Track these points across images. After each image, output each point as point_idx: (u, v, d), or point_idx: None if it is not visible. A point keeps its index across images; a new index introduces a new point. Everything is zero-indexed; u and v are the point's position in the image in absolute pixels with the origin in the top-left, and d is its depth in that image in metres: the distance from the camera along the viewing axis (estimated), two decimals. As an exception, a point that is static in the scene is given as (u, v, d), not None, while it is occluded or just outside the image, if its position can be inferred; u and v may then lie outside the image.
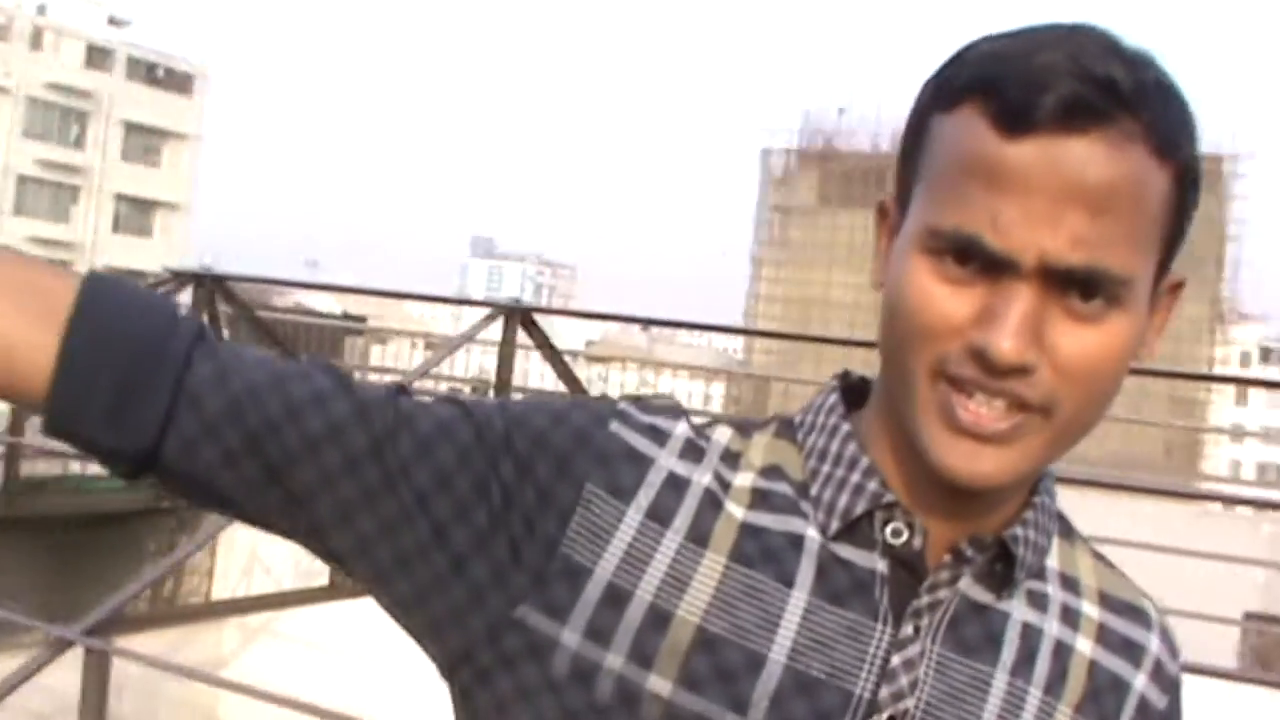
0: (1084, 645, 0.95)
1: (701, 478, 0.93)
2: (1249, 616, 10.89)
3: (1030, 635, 0.93)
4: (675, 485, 0.92)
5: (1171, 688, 0.99)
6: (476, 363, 13.97)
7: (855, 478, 0.92)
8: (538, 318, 7.14)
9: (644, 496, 0.91)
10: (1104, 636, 0.97)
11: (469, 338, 7.39)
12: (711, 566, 0.90)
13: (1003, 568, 0.92)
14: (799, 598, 0.89)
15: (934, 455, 0.86)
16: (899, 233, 0.89)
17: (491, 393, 7.93)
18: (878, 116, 52.36)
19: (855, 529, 0.92)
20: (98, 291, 0.90)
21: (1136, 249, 0.84)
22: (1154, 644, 0.98)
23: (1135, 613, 0.99)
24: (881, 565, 0.91)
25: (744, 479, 0.94)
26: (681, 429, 0.95)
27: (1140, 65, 0.83)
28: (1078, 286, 0.83)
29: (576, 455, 0.91)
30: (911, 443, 0.89)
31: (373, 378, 3.91)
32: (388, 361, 15.97)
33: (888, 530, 0.91)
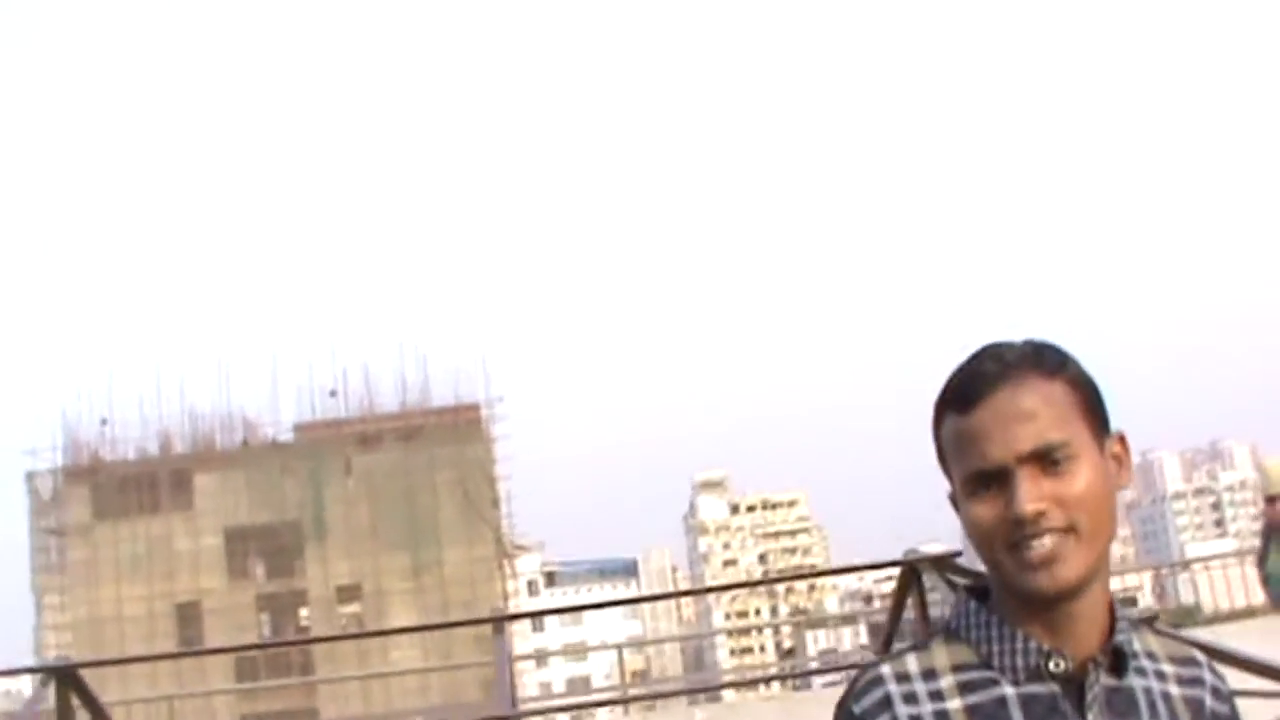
0: (1174, 690, 1.54)
1: (926, 706, 1.49)
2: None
3: (1149, 694, 1.52)
4: None
5: (1228, 699, 1.61)
6: None
7: (1019, 644, 1.49)
8: None
9: None
10: (1181, 680, 1.56)
11: None
12: None
13: (1117, 660, 1.51)
14: None
15: (1033, 588, 1.46)
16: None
17: None
18: (142, 420, 51.22)
19: (1032, 676, 1.49)
20: None
21: (1063, 424, 1.49)
22: (1208, 676, 1.59)
23: (1190, 660, 1.60)
24: (1055, 688, 1.48)
25: (947, 681, 1.50)
26: (881, 693, 1.50)
27: (1023, 343, 1.56)
28: (1043, 459, 1.47)
29: None
30: (1025, 602, 1.48)
31: None
32: None
33: (1051, 665, 1.48)
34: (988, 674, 1.50)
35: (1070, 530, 1.46)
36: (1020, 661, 1.49)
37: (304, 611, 52.23)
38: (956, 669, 1.52)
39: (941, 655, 1.54)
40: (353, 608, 51.34)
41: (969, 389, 1.52)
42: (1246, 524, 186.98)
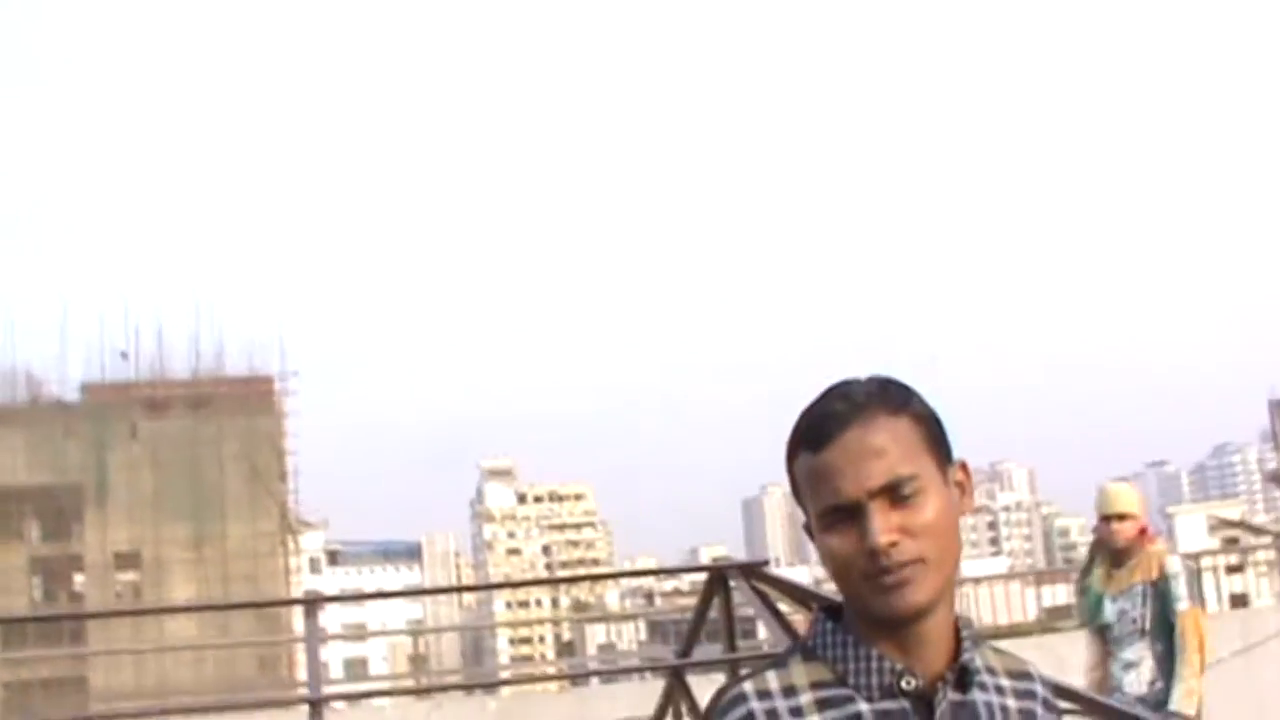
0: (1011, 703, 1.68)
1: None
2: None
3: (989, 708, 1.64)
4: None
5: (1055, 709, 1.75)
6: None
7: (873, 663, 1.60)
8: None
9: None
10: (1017, 693, 1.69)
11: None
12: None
13: (962, 677, 1.63)
14: None
15: (887, 612, 1.58)
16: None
17: None
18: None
19: (885, 694, 1.60)
20: None
21: (910, 459, 1.59)
22: (1039, 688, 1.73)
23: (1025, 674, 1.73)
24: (906, 704, 1.60)
25: (806, 698, 1.60)
26: (744, 710, 1.60)
27: (869, 382, 1.66)
28: (892, 492, 1.57)
29: None
30: (878, 623, 1.60)
31: None
32: None
33: (903, 683, 1.59)
34: (844, 691, 1.61)
35: (920, 560, 1.57)
36: (875, 680, 1.60)
37: (79, 577, 50.58)
38: (815, 686, 1.61)
39: (800, 673, 1.63)
40: (130, 575, 49.89)
41: (820, 428, 1.61)
42: (1020, 543, 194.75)
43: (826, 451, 1.60)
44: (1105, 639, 6.22)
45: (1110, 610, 6.12)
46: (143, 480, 49.42)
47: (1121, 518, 6.06)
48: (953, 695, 1.62)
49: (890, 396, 1.64)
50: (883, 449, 1.59)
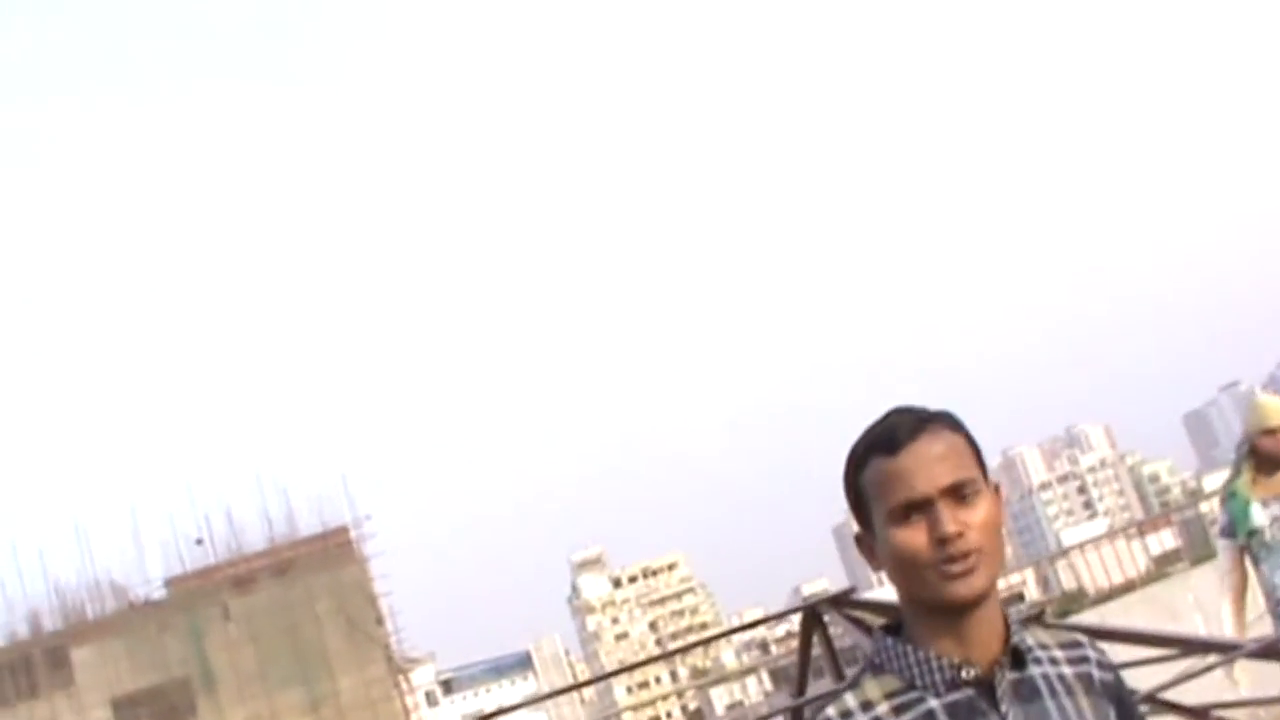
0: (1067, 670, 1.90)
1: None
2: None
3: (1047, 679, 1.86)
4: None
5: (1112, 667, 1.96)
6: None
7: (934, 663, 1.83)
8: None
9: None
10: (1070, 660, 1.91)
11: None
12: None
13: (1016, 657, 1.85)
14: None
15: (954, 596, 1.81)
16: (875, 534, 1.88)
17: None
18: (6, 602, 49.43)
19: (950, 686, 1.82)
20: None
21: (969, 467, 1.86)
22: (1091, 652, 1.94)
23: (1075, 644, 1.96)
24: (971, 692, 1.82)
25: (883, 708, 1.83)
26: None
27: (926, 408, 1.92)
28: (955, 492, 1.83)
29: None
30: (939, 615, 1.83)
31: None
32: None
33: (964, 674, 1.82)
34: (914, 694, 1.84)
35: (979, 550, 1.82)
36: (939, 677, 1.84)
37: (207, 768, 50.73)
38: (888, 696, 1.85)
39: (873, 687, 1.87)
40: (255, 754, 50.05)
41: (895, 435, 1.87)
42: (1114, 500, 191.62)
43: (901, 455, 1.86)
44: (1250, 546, 6.21)
45: (1260, 515, 6.15)
46: (245, 658, 49.65)
47: (1271, 432, 6.17)
48: (1010, 674, 1.85)
49: (948, 416, 1.93)
50: (948, 454, 1.86)
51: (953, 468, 1.85)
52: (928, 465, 1.84)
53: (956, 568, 1.81)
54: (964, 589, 1.81)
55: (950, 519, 1.81)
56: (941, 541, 1.81)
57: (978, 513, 1.84)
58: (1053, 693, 1.86)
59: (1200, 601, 10.77)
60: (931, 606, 1.85)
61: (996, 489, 1.91)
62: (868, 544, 1.94)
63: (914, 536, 1.83)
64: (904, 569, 1.85)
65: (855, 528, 1.96)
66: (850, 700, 1.86)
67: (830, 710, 1.86)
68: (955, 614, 1.84)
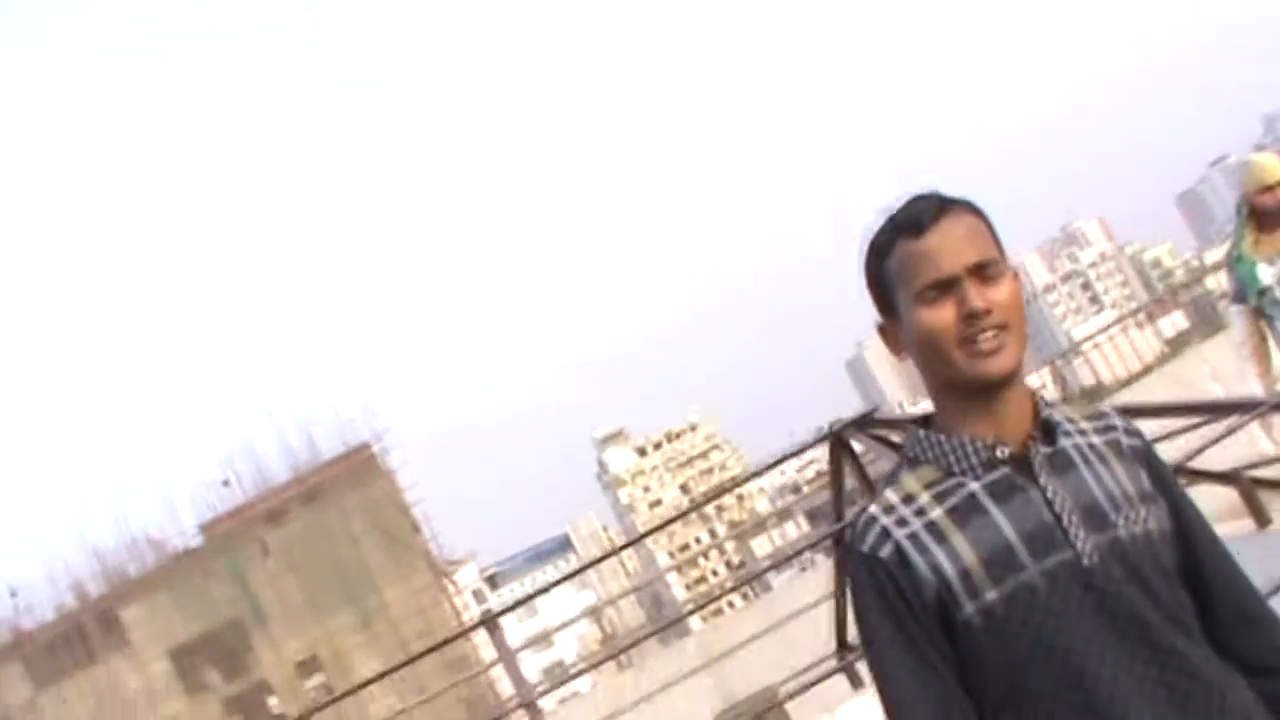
0: (1096, 439, 1.91)
1: (915, 522, 1.84)
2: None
3: (1079, 449, 1.88)
4: (913, 538, 1.83)
5: (1138, 433, 1.98)
6: None
7: (968, 447, 1.86)
8: None
9: (915, 556, 1.82)
10: (1098, 430, 1.93)
11: None
12: (959, 539, 1.81)
13: (1047, 432, 1.88)
14: (997, 512, 1.82)
15: (982, 373, 1.83)
16: (899, 317, 1.90)
17: None
18: (49, 577, 50.09)
19: (987, 467, 1.84)
20: None
21: (992, 247, 1.87)
22: (1118, 420, 1.96)
23: (1101, 415, 1.98)
24: (1008, 469, 1.84)
25: (924, 498, 1.85)
26: (878, 528, 1.86)
27: (950, 194, 1.92)
28: (980, 271, 1.84)
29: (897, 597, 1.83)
30: (969, 394, 1.86)
31: None
32: None
33: (998, 453, 1.84)
34: (953, 480, 1.86)
35: (1005, 327, 1.84)
36: (974, 460, 1.86)
37: (273, 700, 51.60)
38: (928, 486, 1.88)
39: (912, 481, 1.90)
40: (317, 679, 50.83)
41: (920, 217, 1.88)
42: (1118, 291, 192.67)
43: (927, 236, 1.86)
44: (1262, 306, 6.17)
45: (1267, 273, 6.13)
46: (290, 589, 50.26)
47: (1270, 189, 6.06)
48: (1043, 449, 1.87)
49: (967, 201, 1.92)
50: (972, 235, 1.87)
51: (978, 247, 1.86)
52: (953, 244, 1.85)
53: (985, 344, 1.82)
54: (993, 365, 1.83)
55: (977, 294, 1.83)
56: (969, 318, 1.82)
57: (1002, 290, 1.85)
58: (1086, 461, 1.87)
59: (1217, 372, 10.68)
60: (961, 389, 1.87)
61: (1015, 275, 1.91)
62: (892, 332, 1.95)
63: (942, 315, 1.84)
64: (932, 350, 1.86)
65: (878, 319, 1.97)
66: (891, 495, 1.89)
67: (873, 508, 1.89)
68: (985, 394, 1.86)
